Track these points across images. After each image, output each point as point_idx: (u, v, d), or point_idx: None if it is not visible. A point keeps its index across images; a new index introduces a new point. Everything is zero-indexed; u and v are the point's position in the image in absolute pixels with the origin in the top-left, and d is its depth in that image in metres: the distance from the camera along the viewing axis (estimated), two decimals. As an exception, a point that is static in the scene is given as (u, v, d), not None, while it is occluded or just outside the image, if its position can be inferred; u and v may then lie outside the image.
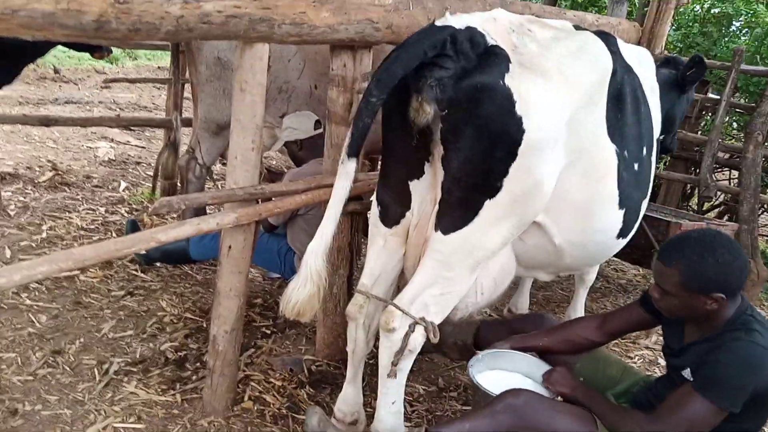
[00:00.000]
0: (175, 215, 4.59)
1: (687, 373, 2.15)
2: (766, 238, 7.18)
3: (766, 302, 5.12)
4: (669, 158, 5.79)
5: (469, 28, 2.14)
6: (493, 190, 2.18)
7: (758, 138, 4.83)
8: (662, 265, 2.13)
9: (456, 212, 2.22)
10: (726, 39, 6.16)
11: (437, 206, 2.25)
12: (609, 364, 2.61)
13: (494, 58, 2.12)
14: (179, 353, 3.11)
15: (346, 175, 2.20)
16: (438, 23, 2.18)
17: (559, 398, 2.37)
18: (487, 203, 2.19)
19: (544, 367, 2.51)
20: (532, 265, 2.68)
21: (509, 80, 2.10)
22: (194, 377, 2.94)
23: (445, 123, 2.13)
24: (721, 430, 2.07)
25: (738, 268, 2.05)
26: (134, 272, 3.91)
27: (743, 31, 6.26)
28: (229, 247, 2.52)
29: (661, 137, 3.84)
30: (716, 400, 2.00)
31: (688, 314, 2.17)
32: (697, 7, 6.50)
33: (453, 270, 2.28)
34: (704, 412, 2.02)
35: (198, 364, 3.03)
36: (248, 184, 2.44)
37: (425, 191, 2.32)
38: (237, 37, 2.26)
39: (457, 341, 2.86)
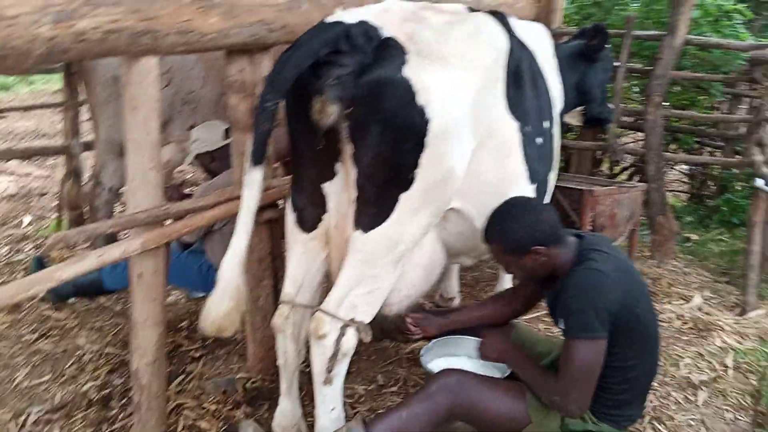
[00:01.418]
0: (86, 245, 4.35)
1: (561, 323, 2.26)
2: (674, 193, 7.55)
3: (681, 254, 5.36)
4: (578, 128, 5.96)
5: (361, 23, 2.11)
6: (406, 182, 2.16)
7: (656, 99, 5.04)
8: (488, 245, 2.38)
9: (373, 209, 2.19)
10: (617, 8, 6.39)
11: (353, 205, 2.21)
12: (536, 342, 2.67)
13: (390, 50, 2.10)
14: (103, 392, 2.94)
15: (252, 183, 2.15)
16: (328, 20, 2.13)
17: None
18: (403, 196, 2.17)
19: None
20: (456, 251, 2.68)
21: (407, 71, 2.07)
22: (121, 415, 2.79)
23: (351, 121, 2.10)
24: (609, 358, 2.19)
25: (539, 220, 2.27)
26: (47, 312, 3.67)
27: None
28: (140, 274, 2.39)
29: (582, 108, 3.94)
30: (582, 334, 2.14)
31: (531, 274, 2.35)
32: (588, -21, 6.70)
33: (376, 267, 2.25)
34: (583, 350, 2.15)
35: (124, 400, 2.87)
36: (151, 205, 2.32)
37: (339, 191, 2.28)
38: (119, 53, 2.14)
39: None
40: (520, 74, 2.57)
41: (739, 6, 5.91)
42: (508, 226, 2.28)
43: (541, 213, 2.31)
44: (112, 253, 2.17)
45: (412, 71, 2.07)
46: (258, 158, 2.10)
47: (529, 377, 2.33)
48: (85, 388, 2.96)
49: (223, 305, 2.13)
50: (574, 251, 2.29)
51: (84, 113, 5.12)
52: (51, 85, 12.87)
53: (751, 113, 5.51)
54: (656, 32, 5.31)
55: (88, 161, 4.84)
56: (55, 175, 6.85)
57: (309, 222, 2.36)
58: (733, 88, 6.19)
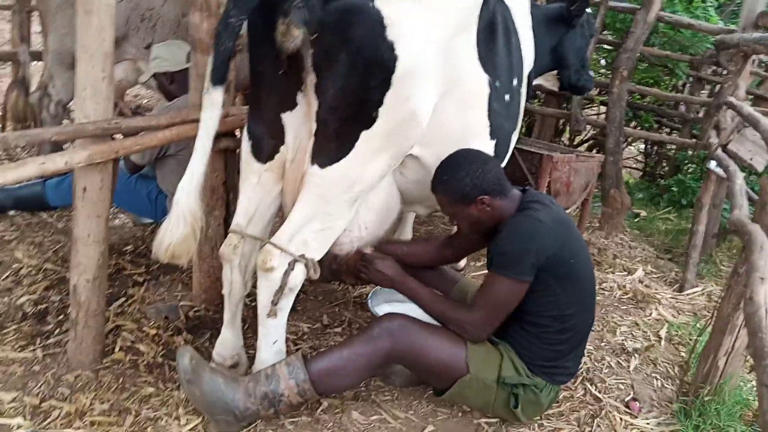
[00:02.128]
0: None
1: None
2: (629, 169, 7.71)
3: (629, 228, 5.51)
4: (543, 94, 5.98)
5: None
6: (368, 120, 2.12)
7: (623, 73, 5.08)
8: (434, 195, 2.41)
9: (332, 144, 2.14)
10: (596, -24, 6.35)
11: (312, 139, 2.15)
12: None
13: None
14: (39, 307, 2.85)
15: (212, 105, 2.07)
16: None
17: None
18: (363, 134, 2.13)
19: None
20: (412, 199, 2.67)
21: (379, 2, 2.01)
22: (57, 331, 2.70)
23: (316, 48, 2.02)
24: (546, 307, 2.31)
25: (484, 170, 2.30)
26: (-17, 223, 3.52)
27: (611, -31, 6.48)
28: (84, 188, 2.29)
29: (556, 73, 3.92)
30: (506, 272, 2.23)
31: (476, 224, 2.40)
32: (571, -56, 6.62)
33: (331, 204, 2.22)
34: (503, 286, 2.26)
35: (61, 317, 2.79)
36: (100, 117, 2.21)
37: (299, 123, 2.22)
38: (76, -52, 1.99)
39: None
40: (494, 26, 2.52)
41: (713, -11, 5.96)
42: (454, 177, 2.30)
43: (487, 164, 2.34)
44: (55, 161, 2.05)
45: (384, 3, 2.01)
46: (218, 78, 2.02)
47: (434, 304, 2.41)
48: (20, 301, 2.86)
49: (178, 231, 2.06)
50: (517, 203, 2.35)
51: (35, 21, 4.83)
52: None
53: (712, 97, 5.62)
54: (631, 5, 5.32)
55: (37, 72, 4.58)
56: (0, 84, 6.50)
57: (265, 152, 2.29)
58: (698, 71, 6.29)
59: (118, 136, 2.43)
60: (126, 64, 3.99)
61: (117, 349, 2.64)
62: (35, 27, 4.99)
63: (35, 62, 4.77)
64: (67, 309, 2.71)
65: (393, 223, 2.66)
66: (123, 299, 3.00)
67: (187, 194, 2.07)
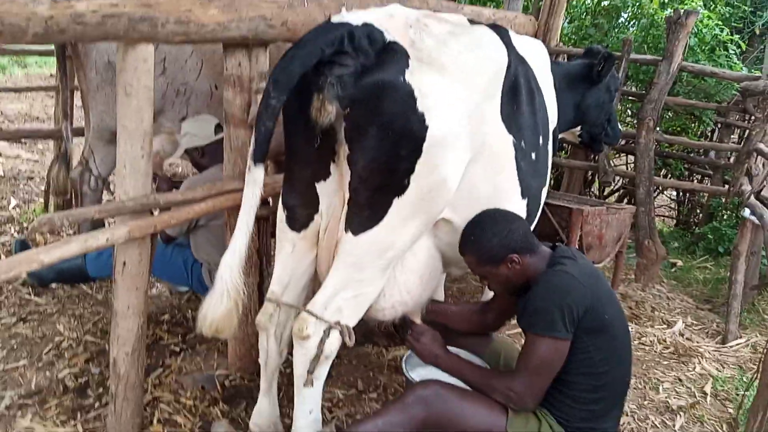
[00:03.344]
0: (71, 231, 4.31)
1: (525, 321, 2.29)
2: (662, 218, 7.61)
3: (666, 279, 5.40)
4: (569, 147, 6.00)
5: (366, 25, 2.10)
6: (400, 188, 2.15)
7: (649, 123, 5.09)
8: (464, 257, 2.39)
9: (365, 212, 2.17)
10: (616, 30, 6.46)
11: (345, 207, 2.20)
12: (511, 357, 2.65)
13: (393, 54, 2.09)
14: (79, 380, 2.90)
15: (254, 182, 2.13)
16: (334, 20, 2.13)
17: None
18: (396, 201, 2.16)
19: (475, 359, 2.59)
20: (446, 261, 2.67)
21: (409, 76, 2.07)
22: (97, 404, 2.74)
23: (348, 122, 2.09)
24: (579, 365, 2.23)
25: (510, 230, 2.30)
26: (26, 296, 3.62)
27: (631, 23, 6.58)
28: (124, 263, 2.36)
29: (580, 128, 3.95)
30: (545, 331, 2.16)
31: (507, 284, 2.37)
32: (588, 0, 6.78)
33: (365, 271, 2.24)
34: (543, 347, 2.18)
35: (101, 389, 2.83)
36: (139, 194, 2.29)
37: (333, 192, 2.27)
38: (117, 38, 2.11)
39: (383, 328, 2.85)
40: (518, 89, 2.58)
41: (735, 37, 5.99)
42: (481, 237, 2.31)
43: (513, 222, 2.34)
44: (97, 238, 2.13)
45: (414, 77, 2.07)
46: (260, 156, 2.08)
47: (476, 377, 2.34)
48: (61, 375, 2.91)
49: (221, 306, 2.08)
50: (547, 260, 2.32)
51: (77, 98, 5.07)
52: (46, 69, 12.77)
53: (741, 143, 5.57)
54: (652, 57, 5.37)
55: (78, 147, 4.78)
56: (44, 159, 6.79)
57: (300, 221, 2.34)
58: (725, 117, 6.27)
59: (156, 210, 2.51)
60: (162, 136, 4.14)
61: (155, 421, 2.66)
62: (78, 102, 5.24)
63: (76, 137, 4.99)
64: (107, 381, 2.76)
65: (436, 285, 2.66)
66: (160, 370, 3.04)
67: (231, 269, 2.10)
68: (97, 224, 3.61)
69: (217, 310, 2.09)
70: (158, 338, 3.32)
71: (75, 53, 4.15)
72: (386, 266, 2.27)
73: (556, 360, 2.20)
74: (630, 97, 6.31)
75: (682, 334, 4.25)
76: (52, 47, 4.97)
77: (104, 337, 3.23)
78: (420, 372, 2.70)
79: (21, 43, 1.93)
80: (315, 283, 2.49)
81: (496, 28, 2.62)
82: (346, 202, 2.19)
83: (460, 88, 2.21)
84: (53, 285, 3.74)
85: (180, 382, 2.94)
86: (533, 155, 2.70)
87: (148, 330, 3.23)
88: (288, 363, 2.80)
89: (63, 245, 2.07)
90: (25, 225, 4.75)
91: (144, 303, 2.46)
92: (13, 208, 5.14)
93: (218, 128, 3.55)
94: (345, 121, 2.08)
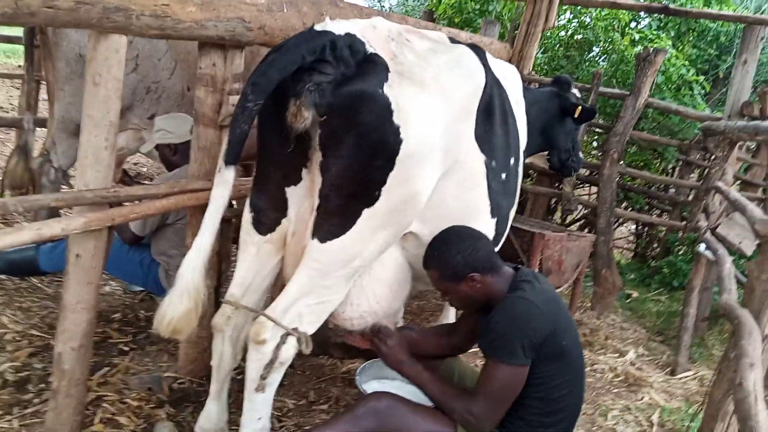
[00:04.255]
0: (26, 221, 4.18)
1: (486, 346, 2.29)
2: (620, 249, 7.76)
3: (620, 309, 5.50)
4: (535, 174, 6.10)
5: (348, 35, 2.11)
6: (371, 198, 2.15)
7: (614, 156, 5.20)
8: (426, 271, 2.39)
9: (333, 220, 2.17)
10: (587, 63, 6.63)
11: (314, 213, 2.19)
12: (465, 375, 2.67)
13: (374, 66, 2.10)
14: (20, 374, 2.79)
15: (224, 183, 2.11)
16: (317, 28, 2.13)
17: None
18: (365, 212, 2.16)
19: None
20: (412, 275, 2.67)
21: (388, 89, 2.08)
22: (36, 400, 2.64)
23: (324, 129, 2.08)
24: (535, 390, 2.23)
25: (475, 248, 2.30)
26: (-28, 286, 3.49)
27: (602, 57, 6.77)
28: (77, 255, 2.29)
29: (547, 153, 4.03)
30: (504, 358, 2.17)
31: (468, 301, 2.38)
32: (562, 32, 6.95)
33: (329, 279, 2.22)
34: (503, 374, 2.18)
35: (42, 385, 2.73)
36: (100, 185, 2.24)
37: (302, 198, 2.26)
38: (89, 26, 2.08)
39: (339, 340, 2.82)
40: (492, 109, 2.61)
41: (700, 78, 6.20)
42: (445, 253, 2.30)
43: (478, 240, 2.35)
44: (51, 227, 2.07)
45: (392, 90, 2.08)
46: (232, 158, 2.06)
47: (437, 392, 2.31)
48: (2, 367, 2.80)
49: (181, 306, 2.04)
50: (509, 281, 2.33)
51: (43, 91, 4.95)
52: (14, 59, 12.46)
53: (700, 181, 5.74)
54: (620, 91, 5.51)
55: (40, 139, 4.67)
56: (4, 149, 6.59)
57: (266, 224, 2.32)
58: (686, 155, 6.46)
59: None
60: (128, 133, 4.07)
61: (97, 420, 2.58)
62: (42, 95, 5.11)
63: (39, 128, 4.87)
64: (49, 377, 2.66)
65: (406, 297, 2.65)
66: (107, 368, 2.95)
67: (193, 269, 2.07)
68: (53, 214, 3.52)
69: (177, 309, 2.05)
70: (107, 336, 3.23)
71: (44, 43, 4.06)
72: (351, 275, 2.26)
73: (515, 386, 2.21)
74: (596, 129, 6.46)
75: (633, 364, 4.32)
76: (21, 35, 4.85)
77: (51, 333, 3.12)
78: (374, 386, 2.69)
79: (-13, 23, 1.89)
80: (274, 290, 2.47)
81: (474, 48, 2.66)
82: (315, 208, 2.18)
83: (437, 104, 2.23)
84: (1, 276, 3.61)
85: (126, 382, 2.86)
86: (504, 175, 2.74)
87: (98, 327, 3.14)
88: (240, 370, 2.76)
89: (15, 232, 2.01)
90: (-23, 213, 4.59)
91: (94, 298, 2.39)
92: (-34, 195, 4.96)
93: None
94: (320, 128, 2.08)
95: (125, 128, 3.99)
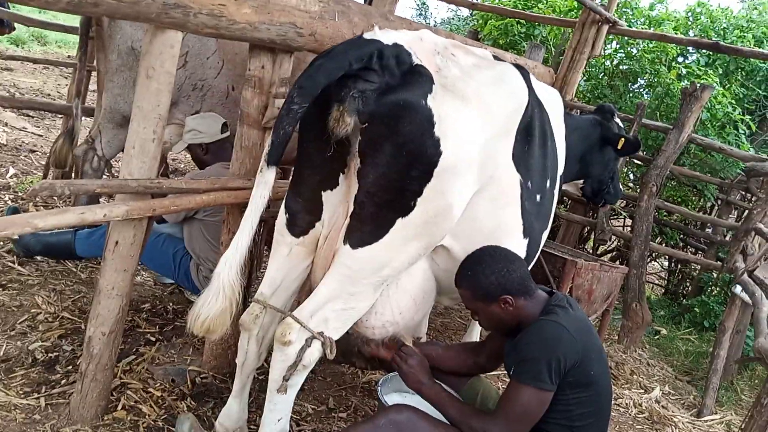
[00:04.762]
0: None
1: (512, 367, 2.26)
2: (651, 285, 7.62)
3: (648, 345, 5.39)
4: (569, 201, 6.05)
5: (396, 45, 2.13)
6: (406, 208, 2.15)
7: (652, 189, 5.13)
8: (458, 290, 2.38)
9: (366, 227, 2.17)
10: (630, 94, 6.56)
11: (348, 219, 2.20)
12: (489, 397, 2.63)
13: (419, 77, 2.11)
14: (50, 354, 2.85)
15: (264, 183, 2.13)
16: (366, 36, 2.15)
17: None
18: (399, 221, 2.16)
19: (449, 390, 2.52)
20: (440, 289, 2.66)
21: (431, 101, 2.09)
22: (63, 381, 2.69)
23: (365, 136, 2.10)
24: (558, 416, 2.20)
25: (509, 270, 2.28)
26: (10, 264, 3.57)
27: (646, 89, 6.69)
28: (116, 242, 2.34)
29: (582, 182, 4.00)
30: (530, 381, 2.13)
31: (498, 323, 2.35)
32: (607, 62, 6.89)
33: (357, 285, 2.22)
34: (527, 396, 2.15)
35: (70, 367, 2.78)
36: (144, 176, 2.28)
37: (338, 203, 2.27)
38: (148, 19, 2.13)
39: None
40: (532, 130, 2.60)
41: (746, 117, 6.08)
42: (479, 273, 2.29)
43: (513, 263, 2.32)
44: (94, 213, 2.12)
45: (435, 102, 2.09)
46: (274, 159, 2.09)
47: (456, 412, 2.28)
48: (32, 346, 2.86)
49: (216, 304, 2.06)
50: (542, 305, 2.30)
51: (92, 81, 5.09)
52: (65, 50, 12.84)
53: (739, 221, 5.62)
54: (663, 124, 5.44)
55: (86, 128, 4.78)
56: (49, 135, 6.78)
57: (300, 227, 2.33)
58: (726, 194, 6.33)
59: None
60: (172, 127, 4.15)
61: (120, 407, 2.61)
62: (92, 84, 5.26)
63: (85, 118, 5.00)
64: (77, 360, 2.71)
65: (429, 309, 2.64)
66: (133, 357, 2.99)
67: (230, 268, 2.09)
68: (92, 200, 3.60)
69: (211, 308, 2.06)
70: (136, 325, 3.28)
71: (98, 34, 4.17)
72: (379, 284, 2.26)
73: (537, 410, 2.17)
74: (635, 161, 6.37)
75: (658, 402, 4.22)
76: (77, 25, 4.99)
77: (81, 316, 3.19)
78: (394, 398, 2.67)
79: (53, 10, 1.95)
80: (302, 293, 2.48)
81: (519, 67, 2.65)
82: (349, 214, 2.19)
83: (478, 120, 2.23)
84: (38, 258, 3.70)
85: (151, 371, 2.89)
86: (539, 197, 2.72)
87: (127, 316, 3.19)
88: (262, 370, 2.78)
89: (59, 214, 2.06)
90: (20, 194, 4.72)
91: (129, 285, 2.43)
92: (11, 177, 5.11)
93: (224, 127, 3.56)
94: (361, 135, 2.09)
95: (170, 123, 4.07)
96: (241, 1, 2.33)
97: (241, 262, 2.10)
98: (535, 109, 2.62)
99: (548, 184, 2.82)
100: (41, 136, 6.74)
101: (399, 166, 2.09)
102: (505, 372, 2.39)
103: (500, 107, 2.36)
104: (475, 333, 3.87)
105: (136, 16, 2.08)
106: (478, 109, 2.23)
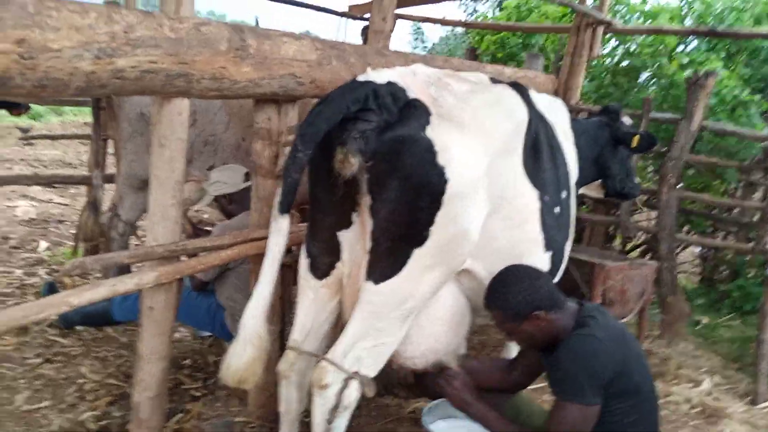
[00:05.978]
0: (99, 274, 4.40)
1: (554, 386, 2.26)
2: (686, 273, 7.50)
3: (691, 336, 5.29)
4: (591, 201, 6.01)
5: (390, 83, 2.20)
6: (420, 239, 2.20)
7: (671, 180, 5.10)
8: (489, 311, 2.40)
9: (385, 261, 2.22)
10: (635, 90, 6.53)
11: (368, 256, 2.24)
12: (533, 413, 2.63)
13: (415, 110, 2.18)
14: (101, 423, 2.93)
15: (279, 231, 2.20)
16: (360, 78, 2.22)
17: None
18: (416, 252, 2.21)
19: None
20: (472, 308, 2.69)
21: (430, 131, 2.15)
22: (116, 448, 2.77)
23: (371, 174, 2.16)
24: (608, 428, 2.20)
25: (534, 286, 2.30)
26: (53, 338, 3.68)
27: (650, 82, 6.66)
28: (150, 307, 2.42)
29: (601, 182, 4.01)
30: (573, 398, 2.14)
31: (533, 340, 2.36)
32: (608, 60, 6.89)
33: (384, 320, 2.27)
34: (573, 414, 2.15)
35: (121, 433, 2.86)
36: (168, 240, 2.37)
37: (355, 241, 2.32)
38: (154, 92, 2.23)
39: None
40: (539, 145, 2.65)
41: (755, 97, 6.02)
42: (505, 294, 2.31)
43: (537, 279, 2.34)
44: (126, 283, 2.21)
45: (434, 132, 2.15)
46: (285, 207, 2.17)
47: (503, 430, 2.30)
48: (83, 417, 2.94)
49: (245, 355, 2.13)
50: (574, 317, 2.31)
51: (110, 147, 5.26)
52: (81, 117, 13.24)
53: (765, 200, 5.54)
54: (672, 116, 5.41)
55: (109, 193, 4.93)
56: (75, 203, 6.98)
57: (322, 269, 2.39)
58: (748, 175, 6.23)
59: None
60: (191, 184, 4.27)
61: (174, 466, 2.67)
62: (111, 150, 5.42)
63: (109, 184, 5.16)
64: (128, 425, 2.77)
65: (467, 332, 2.67)
66: (181, 414, 3.05)
67: (255, 317, 2.16)
68: (123, 268, 3.70)
69: (241, 358, 2.12)
70: (179, 383, 3.34)
71: (109, 105, 4.34)
72: (406, 316, 2.30)
73: (584, 425, 2.17)
74: (650, 154, 6.32)
75: (709, 394, 4.14)
76: (88, 98, 5.18)
77: (127, 381, 3.27)
78: (441, 425, 2.68)
79: (63, 97, 2.05)
80: (335, 332, 2.52)
81: (516, 86, 2.70)
82: (369, 251, 2.24)
83: (478, 143, 2.28)
84: (79, 327, 3.80)
85: (200, 428, 2.95)
86: (557, 209, 2.75)
87: (170, 374, 3.27)
88: (308, 412, 2.81)
89: (92, 289, 2.14)
90: (54, 267, 4.86)
91: (167, 348, 2.50)
92: (44, 250, 5.27)
93: (247, 176, 3.66)
94: (368, 173, 2.16)
95: (186, 180, 4.18)
96: (240, 60, 2.41)
97: (265, 311, 2.16)
98: (538, 124, 2.66)
99: (564, 194, 2.84)
100: (67, 205, 6.95)
101: (408, 199, 2.15)
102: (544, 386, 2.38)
103: (499, 128, 2.40)
104: (513, 349, 3.86)
105: (143, 90, 2.17)
106: (477, 132, 2.28)
